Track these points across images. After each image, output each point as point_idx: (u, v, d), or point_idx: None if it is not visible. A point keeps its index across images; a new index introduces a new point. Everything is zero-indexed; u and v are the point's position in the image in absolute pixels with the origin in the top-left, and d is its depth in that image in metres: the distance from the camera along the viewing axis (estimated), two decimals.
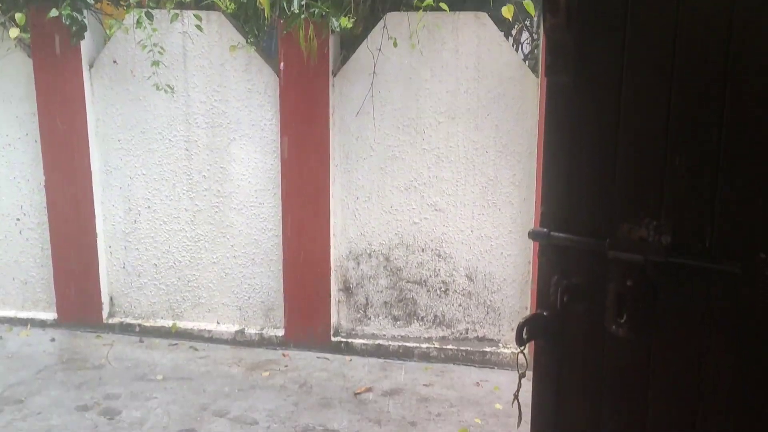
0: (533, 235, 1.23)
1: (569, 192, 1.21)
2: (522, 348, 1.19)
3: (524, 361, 1.21)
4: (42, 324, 5.24)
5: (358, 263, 4.86)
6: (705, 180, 1.09)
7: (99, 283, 5.13)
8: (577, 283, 1.18)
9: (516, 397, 1.26)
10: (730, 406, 1.06)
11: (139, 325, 5.15)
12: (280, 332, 4.96)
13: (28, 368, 4.48)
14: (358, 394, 4.19)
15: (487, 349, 4.69)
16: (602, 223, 1.18)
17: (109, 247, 5.17)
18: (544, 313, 1.18)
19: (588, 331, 1.17)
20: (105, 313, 5.19)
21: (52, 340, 5.01)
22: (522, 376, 1.27)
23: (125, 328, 5.16)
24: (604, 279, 1.16)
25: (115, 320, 5.20)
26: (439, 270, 4.75)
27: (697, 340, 1.08)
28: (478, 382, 4.38)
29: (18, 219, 5.23)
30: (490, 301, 4.72)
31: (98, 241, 5.08)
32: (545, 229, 1.21)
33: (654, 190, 1.13)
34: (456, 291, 4.75)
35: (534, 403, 1.25)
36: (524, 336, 1.15)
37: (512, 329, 4.69)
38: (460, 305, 4.76)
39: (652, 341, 1.12)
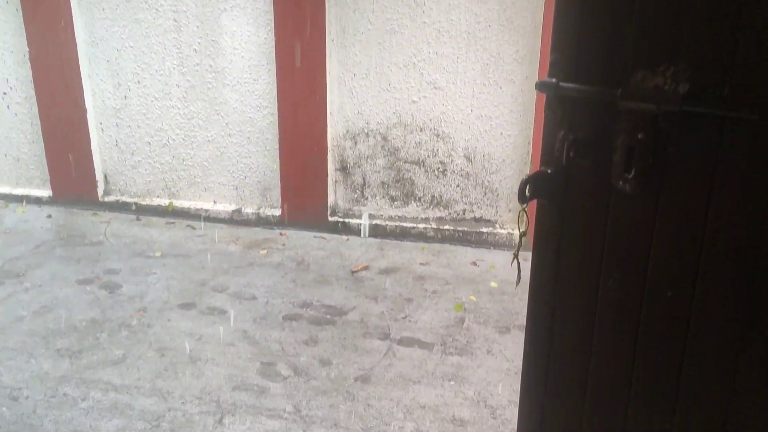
0: (540, 86, 1.14)
1: (581, 37, 1.10)
2: (524, 205, 1.14)
3: (526, 218, 1.16)
4: (37, 201, 5.22)
5: (356, 143, 4.77)
6: (727, 23, 0.99)
7: (92, 161, 5.06)
8: (585, 138, 1.11)
9: (516, 256, 1.22)
10: (737, 260, 1.02)
11: (136, 203, 5.13)
12: (277, 212, 4.96)
13: (26, 243, 4.50)
14: (355, 272, 4.24)
15: (484, 229, 4.70)
16: (615, 71, 1.08)
17: (100, 123, 5.05)
18: (548, 171, 1.11)
19: (593, 188, 1.11)
20: (100, 191, 5.16)
21: (49, 216, 5.01)
22: (523, 234, 1.22)
23: (121, 207, 5.15)
24: (613, 132, 1.08)
25: (111, 198, 5.18)
26: (437, 150, 4.67)
27: (706, 195, 1.02)
28: (474, 262, 4.43)
29: (5, 93, 5.07)
30: (489, 182, 4.68)
31: (88, 117, 4.95)
32: (554, 80, 1.12)
33: (673, 34, 1.03)
34: (454, 171, 4.70)
35: (534, 263, 1.21)
36: (527, 194, 1.10)
37: (509, 210, 4.68)
38: (458, 186, 4.72)
39: (660, 197, 1.06)
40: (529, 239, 1.32)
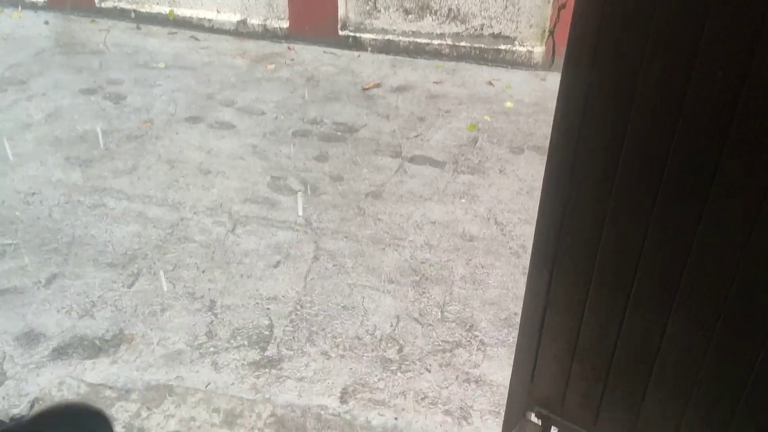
0: None
1: None
2: None
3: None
4: (32, 6, 4.94)
5: None
6: None
7: None
8: None
9: (551, 32, 1.07)
10: None
11: (135, 10, 4.84)
12: (285, 24, 4.68)
13: (25, 50, 4.32)
14: (367, 89, 4.10)
15: (503, 47, 4.45)
16: None
17: None
18: None
19: None
20: None
21: (46, 23, 4.76)
22: (562, 7, 1.06)
23: (120, 14, 4.87)
24: None
25: (109, 4, 4.88)
26: None
27: None
28: (490, 81, 4.25)
29: None
30: None
31: None
32: None
33: None
34: None
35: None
36: None
37: (530, 26, 4.39)
38: None
39: None
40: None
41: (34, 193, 2.87)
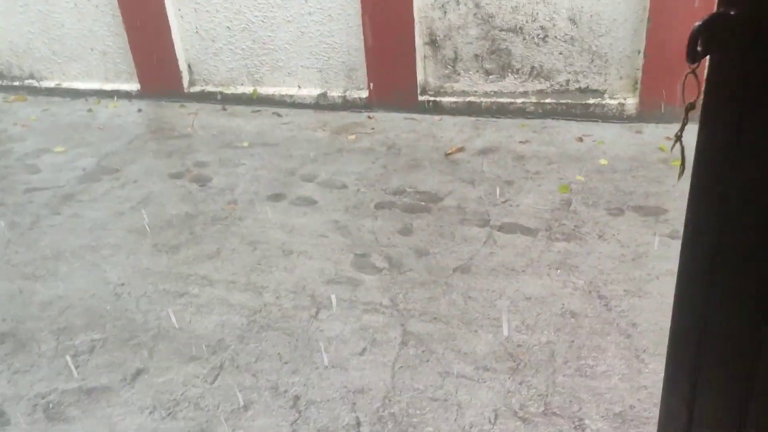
0: None
1: None
2: (695, 65, 0.81)
3: (694, 79, 0.84)
4: (127, 95, 5.21)
5: (445, 12, 4.32)
6: None
7: (174, 50, 4.93)
8: None
9: (679, 137, 0.90)
10: None
11: (220, 92, 5.01)
12: (364, 93, 4.68)
13: (119, 139, 4.52)
14: (450, 154, 3.97)
15: (591, 101, 4.23)
16: None
17: (179, 10, 4.85)
18: (731, 12, 0.77)
19: None
20: (186, 82, 5.06)
21: (139, 110, 5.00)
22: (691, 108, 0.89)
23: (206, 97, 5.04)
24: None
25: (196, 89, 5.07)
26: (537, 14, 4.15)
27: None
28: (580, 137, 4.02)
29: None
30: (596, 46, 4.14)
31: (166, 3, 4.75)
32: None
33: None
34: (557, 37, 4.18)
35: (700, 146, 0.90)
36: (698, 48, 0.76)
37: (620, 78, 4.16)
38: (560, 53, 4.22)
39: None
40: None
41: (123, 284, 2.89)
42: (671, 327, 1.06)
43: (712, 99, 0.86)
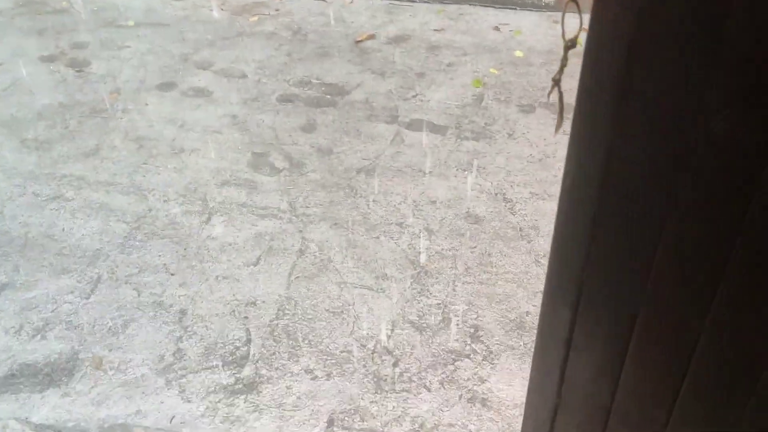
0: None
1: None
2: None
3: (575, 6, 0.66)
4: None
5: None
6: None
7: None
8: None
9: (557, 81, 0.73)
10: None
11: None
12: None
13: None
14: (360, 42, 3.68)
15: None
16: None
17: None
18: None
19: None
20: None
21: None
22: (570, 46, 0.71)
23: None
24: None
25: None
26: None
27: None
28: (497, 26, 3.81)
29: None
30: None
31: None
32: None
33: None
34: None
35: (582, 88, 0.73)
36: None
37: None
38: None
39: None
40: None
41: None
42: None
43: (595, 36, 0.69)
